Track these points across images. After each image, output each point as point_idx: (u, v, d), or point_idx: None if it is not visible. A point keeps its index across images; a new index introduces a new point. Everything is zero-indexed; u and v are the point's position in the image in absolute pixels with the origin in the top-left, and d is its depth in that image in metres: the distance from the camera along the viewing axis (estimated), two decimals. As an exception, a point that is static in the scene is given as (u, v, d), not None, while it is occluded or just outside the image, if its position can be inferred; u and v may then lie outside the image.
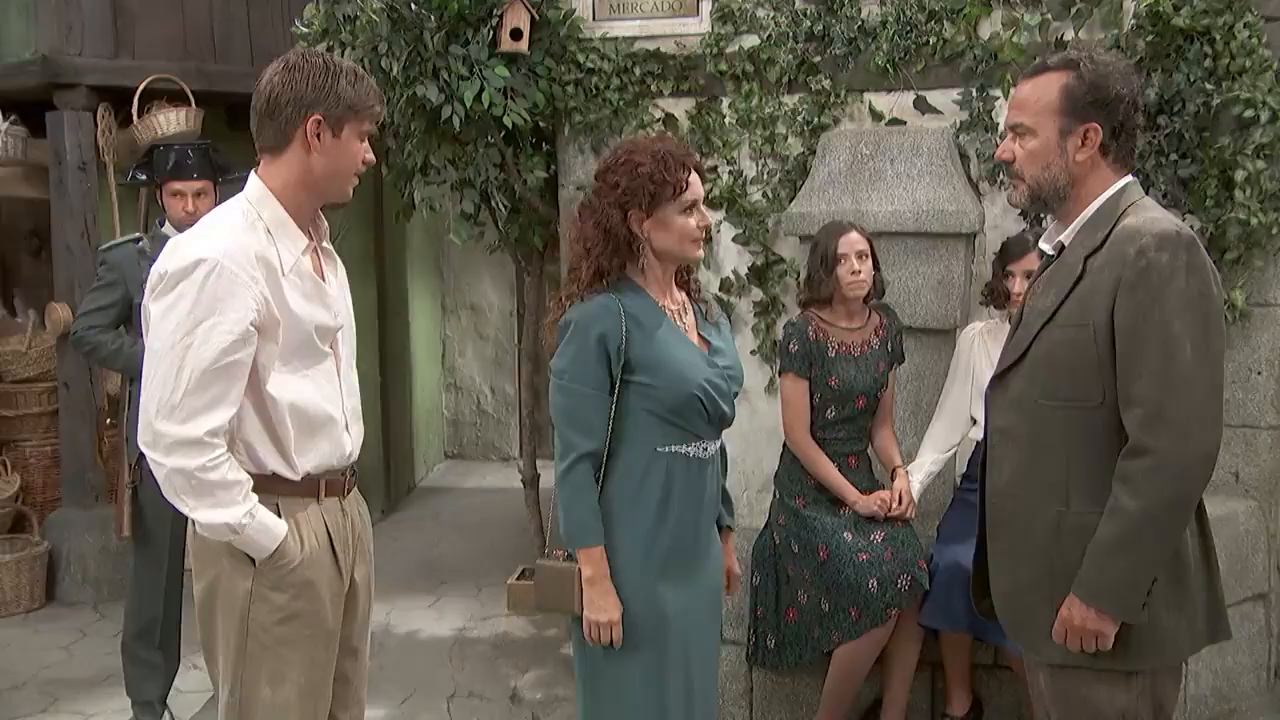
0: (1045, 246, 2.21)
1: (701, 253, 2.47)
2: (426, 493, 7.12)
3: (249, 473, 2.14)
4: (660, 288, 2.46)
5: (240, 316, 2.05)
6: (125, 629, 3.70)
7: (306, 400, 2.19)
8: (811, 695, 3.54)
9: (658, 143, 2.41)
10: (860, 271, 3.25)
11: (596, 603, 2.37)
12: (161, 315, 2.07)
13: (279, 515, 2.16)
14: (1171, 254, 1.95)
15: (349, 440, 2.30)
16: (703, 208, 2.43)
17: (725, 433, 2.62)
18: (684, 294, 2.54)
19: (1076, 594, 2.02)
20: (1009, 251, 3.40)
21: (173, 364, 2.03)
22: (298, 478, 2.19)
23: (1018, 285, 3.31)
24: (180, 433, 2.03)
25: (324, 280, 2.28)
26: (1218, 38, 3.61)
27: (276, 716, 2.20)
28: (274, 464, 2.17)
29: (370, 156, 2.23)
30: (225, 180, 3.70)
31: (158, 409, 2.04)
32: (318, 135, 2.13)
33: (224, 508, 2.07)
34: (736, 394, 2.51)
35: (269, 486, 2.16)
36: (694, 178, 2.40)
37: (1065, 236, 2.14)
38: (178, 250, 2.09)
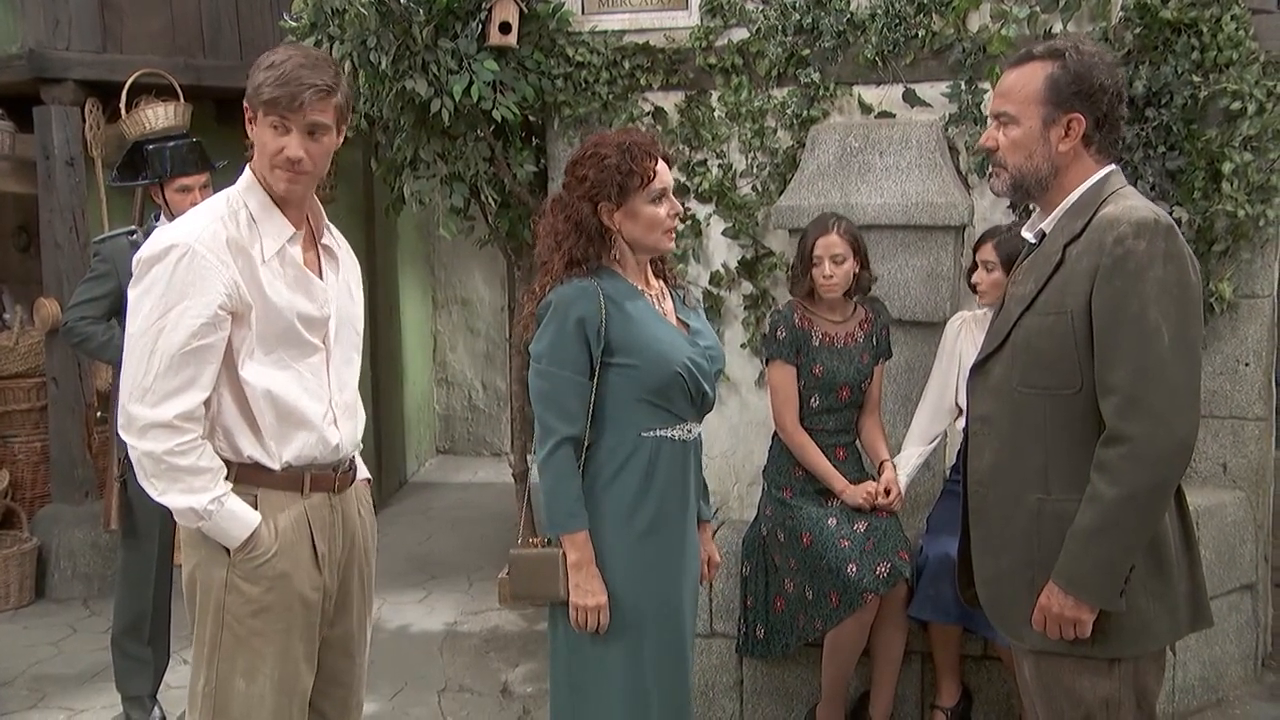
0: (1027, 234, 2.22)
1: (673, 243, 2.48)
2: (418, 487, 7.11)
3: (229, 460, 2.16)
4: (635, 275, 2.47)
5: (209, 300, 2.07)
6: (114, 624, 3.69)
7: (283, 389, 2.17)
8: (801, 687, 3.55)
9: (623, 135, 2.42)
10: (832, 276, 3.27)
11: (583, 587, 2.37)
12: (137, 300, 2.11)
13: (255, 507, 2.16)
14: (1149, 242, 1.96)
15: (336, 434, 2.26)
16: (673, 196, 2.43)
17: (716, 426, 2.63)
18: (661, 281, 2.56)
19: (1055, 581, 2.03)
20: (978, 241, 3.40)
21: (146, 347, 2.08)
22: (277, 467, 2.19)
23: (977, 275, 3.34)
24: (152, 416, 2.07)
25: (321, 274, 2.28)
26: (1205, 30, 3.63)
27: (252, 708, 2.19)
28: (251, 451, 2.17)
29: (291, 152, 2.11)
30: (216, 170, 3.70)
31: (131, 392, 2.09)
32: (250, 121, 2.17)
33: (192, 493, 2.09)
34: (718, 374, 2.53)
35: (248, 476, 2.18)
36: (662, 166, 2.40)
37: (1047, 224, 2.15)
38: (155, 237, 2.14)
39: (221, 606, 2.18)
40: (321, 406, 2.24)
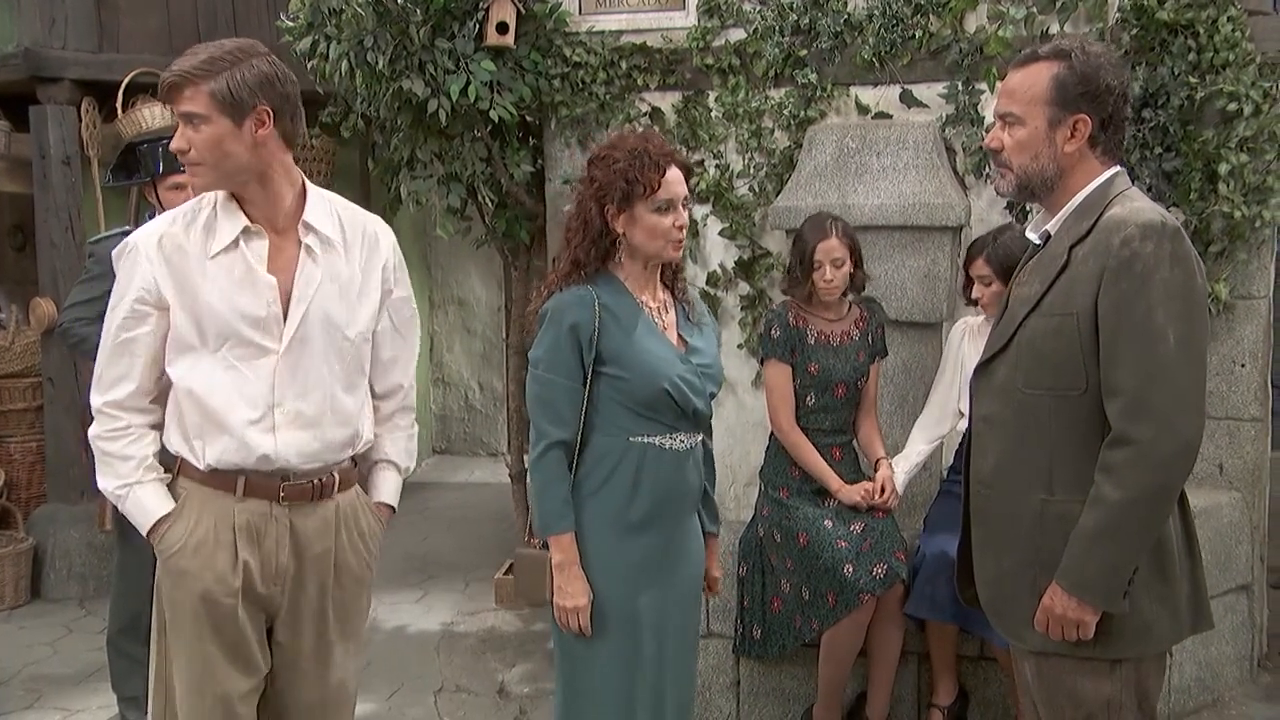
0: (1032, 235, 2.21)
1: (678, 253, 2.45)
2: (414, 488, 7.07)
3: (170, 452, 2.22)
4: (640, 284, 2.47)
5: (129, 295, 2.16)
6: (110, 624, 3.68)
7: (205, 390, 2.14)
8: (798, 687, 3.56)
9: (640, 140, 2.41)
10: (834, 279, 3.27)
11: (564, 589, 2.39)
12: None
13: (184, 500, 2.20)
14: (1156, 244, 1.96)
15: (267, 443, 2.16)
16: (681, 208, 2.41)
17: (713, 426, 2.63)
18: (668, 293, 2.54)
19: (1059, 583, 2.03)
20: (968, 255, 3.39)
21: (103, 338, 2.21)
22: (202, 467, 2.18)
23: (975, 290, 3.32)
24: (95, 402, 2.20)
25: (295, 270, 2.18)
26: (1201, 31, 3.63)
27: (172, 700, 2.23)
28: (178, 446, 2.21)
29: (171, 144, 2.16)
30: None
31: (93, 379, 2.23)
32: None
33: (113, 477, 2.19)
34: (713, 394, 2.51)
35: (185, 470, 2.22)
36: (671, 177, 2.38)
37: (1052, 226, 2.14)
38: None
39: (159, 595, 2.26)
40: (254, 412, 2.15)
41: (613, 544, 2.41)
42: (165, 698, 2.24)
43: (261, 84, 2.12)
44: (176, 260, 2.14)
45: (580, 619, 2.38)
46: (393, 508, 2.44)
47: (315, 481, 2.24)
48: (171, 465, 2.24)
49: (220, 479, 2.18)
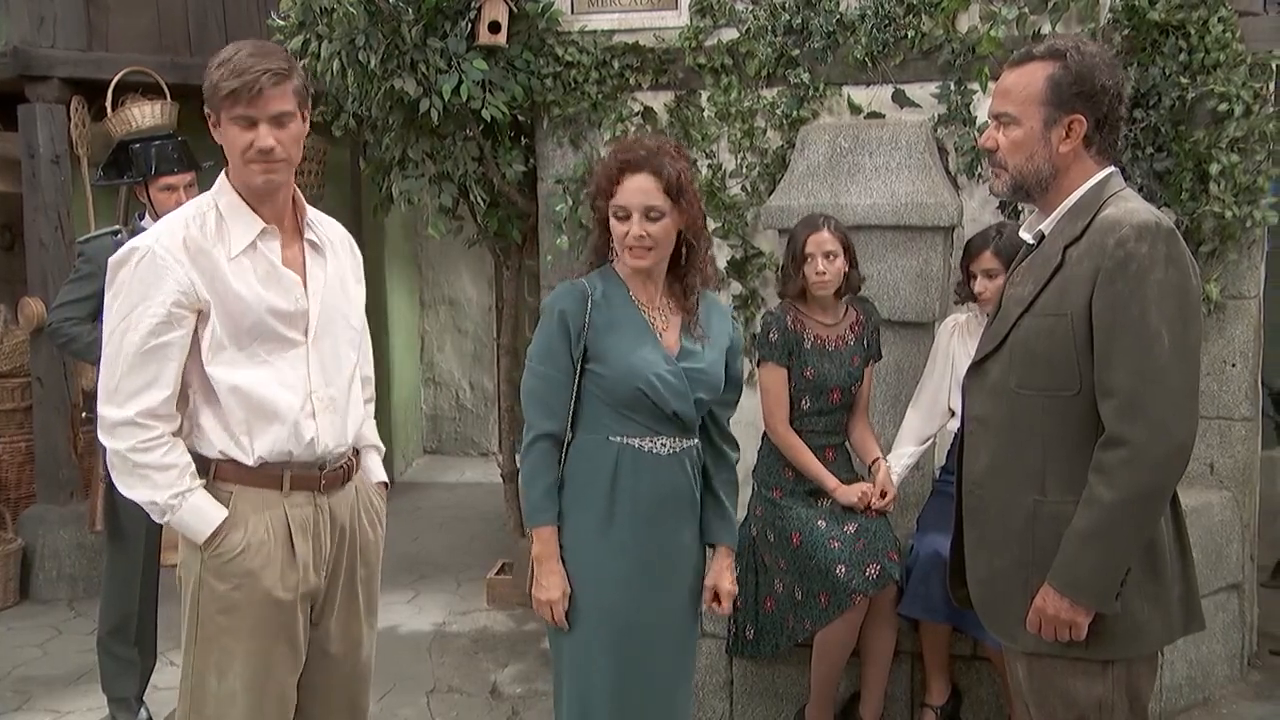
0: (1025, 235, 2.21)
1: (641, 262, 2.38)
2: (405, 488, 7.09)
3: (206, 457, 2.20)
4: (639, 284, 2.46)
5: (163, 299, 2.12)
6: (100, 625, 3.67)
7: (251, 384, 2.18)
8: (790, 687, 3.56)
9: (628, 142, 2.44)
10: (825, 272, 3.26)
11: (541, 581, 2.41)
12: (108, 305, 2.18)
13: (227, 503, 2.18)
14: (1150, 245, 1.96)
15: (313, 428, 2.24)
16: (642, 218, 2.33)
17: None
18: (680, 302, 2.48)
19: (1051, 584, 2.03)
20: (968, 251, 3.38)
21: (113, 349, 2.14)
22: (252, 462, 2.19)
23: (979, 284, 3.30)
24: (118, 415, 2.13)
25: (304, 269, 2.28)
26: (1193, 32, 3.65)
27: (224, 706, 2.21)
28: (224, 446, 2.19)
29: (261, 142, 2.12)
30: (202, 169, 3.69)
31: (102, 393, 2.16)
32: (214, 125, 2.20)
33: (156, 489, 2.14)
34: (702, 399, 2.45)
35: (225, 473, 2.20)
36: (629, 184, 2.33)
37: (1046, 226, 2.14)
38: (126, 244, 2.20)
39: (196, 602, 2.21)
40: (297, 399, 2.23)
41: (593, 542, 2.42)
42: (191, 699, 2.23)
43: (307, 82, 2.24)
44: (204, 263, 2.16)
45: (555, 611, 2.40)
46: (388, 484, 2.54)
47: (343, 466, 2.33)
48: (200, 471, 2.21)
49: (266, 477, 2.21)
